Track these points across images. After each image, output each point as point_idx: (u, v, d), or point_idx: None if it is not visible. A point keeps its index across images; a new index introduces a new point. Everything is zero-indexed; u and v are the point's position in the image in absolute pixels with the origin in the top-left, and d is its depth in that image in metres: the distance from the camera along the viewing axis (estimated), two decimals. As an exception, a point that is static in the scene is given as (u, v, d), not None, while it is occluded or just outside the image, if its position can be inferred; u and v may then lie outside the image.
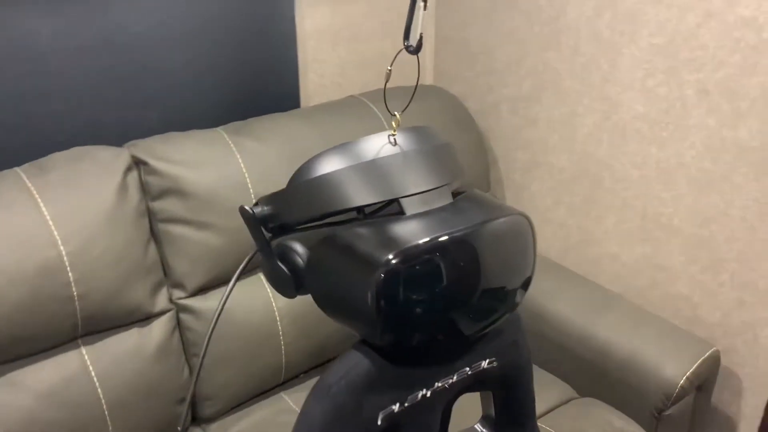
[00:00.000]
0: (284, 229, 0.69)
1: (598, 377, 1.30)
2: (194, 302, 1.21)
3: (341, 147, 0.64)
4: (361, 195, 0.61)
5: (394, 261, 0.55)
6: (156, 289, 1.17)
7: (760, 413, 1.32)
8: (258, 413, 1.27)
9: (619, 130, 1.40)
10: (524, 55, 1.53)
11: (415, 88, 0.71)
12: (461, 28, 1.66)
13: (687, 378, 1.20)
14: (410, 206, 0.61)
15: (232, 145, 1.23)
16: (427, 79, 1.78)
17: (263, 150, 1.25)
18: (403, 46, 0.64)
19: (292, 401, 1.29)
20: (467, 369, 0.71)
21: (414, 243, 0.56)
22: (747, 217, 1.24)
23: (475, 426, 0.85)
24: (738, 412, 1.36)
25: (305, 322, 1.29)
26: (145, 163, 1.18)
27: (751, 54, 1.16)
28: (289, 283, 0.70)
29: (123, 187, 1.13)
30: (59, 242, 1.04)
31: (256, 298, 1.26)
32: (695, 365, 1.22)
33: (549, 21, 1.46)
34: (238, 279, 0.71)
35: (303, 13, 1.50)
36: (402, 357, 0.64)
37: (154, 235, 1.19)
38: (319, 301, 0.65)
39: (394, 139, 0.65)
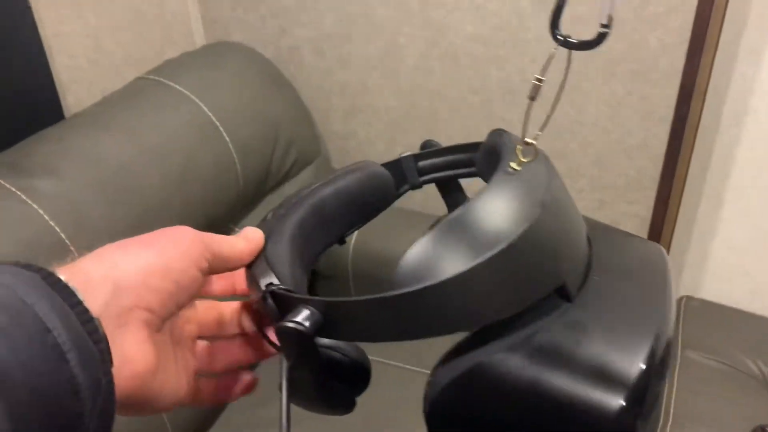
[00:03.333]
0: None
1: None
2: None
3: (461, 219, 0.39)
4: (520, 293, 0.38)
5: (626, 403, 0.36)
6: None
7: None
8: None
9: (450, 57, 1.28)
10: (321, -13, 1.31)
11: (561, 89, 0.39)
12: (229, -36, 1.35)
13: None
14: (572, 284, 0.41)
15: (17, 191, 0.84)
16: (196, 32, 1.45)
17: (66, 186, 0.88)
18: (557, 40, 0.39)
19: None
20: None
21: (638, 366, 0.36)
22: (599, 122, 1.24)
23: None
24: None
25: None
26: None
27: (587, -44, 1.11)
28: (344, 397, 0.45)
29: None
30: None
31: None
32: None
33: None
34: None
35: (26, -25, 1.06)
36: None
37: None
38: None
39: (523, 187, 0.41)
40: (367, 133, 1.43)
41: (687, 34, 1.11)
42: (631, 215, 1.31)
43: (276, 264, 0.39)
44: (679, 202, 1.29)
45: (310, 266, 0.42)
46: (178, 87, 1.08)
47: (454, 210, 0.54)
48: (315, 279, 1.38)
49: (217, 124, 1.09)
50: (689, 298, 1.43)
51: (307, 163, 1.31)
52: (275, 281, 0.38)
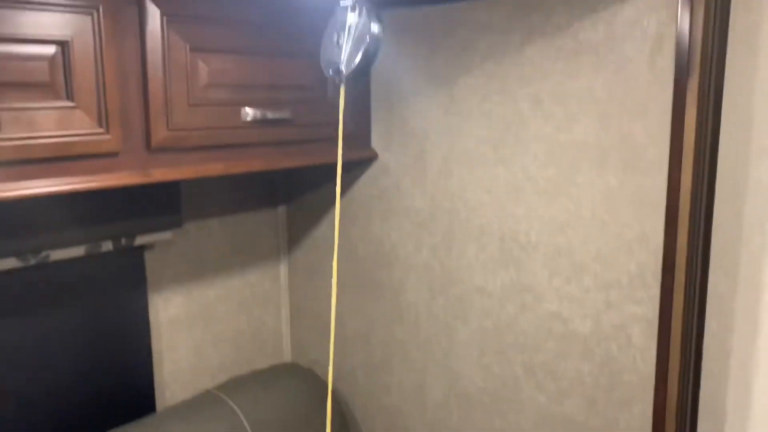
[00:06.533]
0: None
1: None
2: None
3: None
4: None
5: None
6: None
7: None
8: None
9: (465, 401, 1.50)
10: (373, 327, 1.64)
11: None
12: (314, 301, 1.76)
13: None
14: None
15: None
16: (285, 350, 1.84)
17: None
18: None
19: None
20: None
21: None
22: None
23: None
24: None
25: None
26: None
27: (562, 341, 1.32)
28: None
29: None
30: None
31: None
32: None
33: (392, 298, 1.59)
34: None
35: (157, 306, 1.54)
36: None
37: None
38: None
39: None
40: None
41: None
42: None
43: None
44: None
45: None
46: (230, 403, 1.43)
47: None
48: None
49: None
50: None
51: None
52: None
